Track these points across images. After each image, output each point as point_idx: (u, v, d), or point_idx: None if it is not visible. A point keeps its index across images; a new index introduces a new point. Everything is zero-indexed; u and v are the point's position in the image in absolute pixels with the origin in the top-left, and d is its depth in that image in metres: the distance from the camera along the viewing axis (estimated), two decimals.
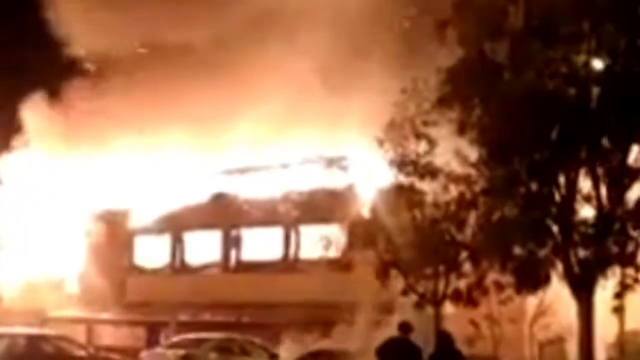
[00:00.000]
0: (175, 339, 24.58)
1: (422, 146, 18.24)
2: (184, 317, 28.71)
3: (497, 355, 24.11)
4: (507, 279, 16.68)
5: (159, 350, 24.38)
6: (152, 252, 31.85)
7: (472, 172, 16.83)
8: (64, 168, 32.72)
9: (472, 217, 17.80)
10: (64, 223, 32.45)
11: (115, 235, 32.20)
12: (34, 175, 32.89)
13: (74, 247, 32.72)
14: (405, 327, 12.05)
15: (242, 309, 27.74)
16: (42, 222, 32.40)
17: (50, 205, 32.44)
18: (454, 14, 15.99)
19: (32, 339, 21.29)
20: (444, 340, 11.95)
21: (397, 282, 19.81)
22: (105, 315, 31.14)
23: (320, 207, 24.56)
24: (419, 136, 18.22)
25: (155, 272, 31.72)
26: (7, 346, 20.47)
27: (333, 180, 21.06)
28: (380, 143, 18.63)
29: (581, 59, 15.43)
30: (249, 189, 29.82)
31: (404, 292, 19.66)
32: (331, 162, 20.84)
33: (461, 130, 15.99)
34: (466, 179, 17.31)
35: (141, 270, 32.23)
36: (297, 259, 28.41)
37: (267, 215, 28.42)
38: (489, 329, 23.12)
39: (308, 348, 24.33)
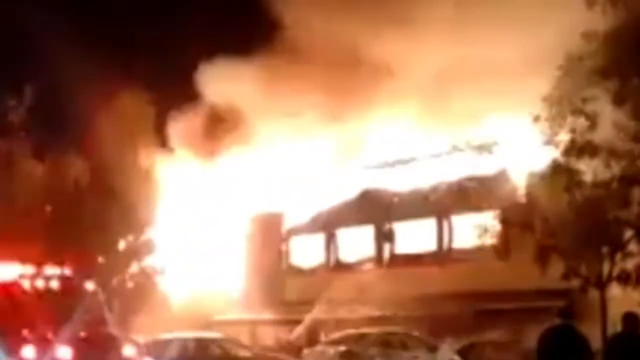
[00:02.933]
0: (335, 335, 24.73)
1: (581, 122, 17.45)
2: (342, 313, 28.86)
3: None
4: None
5: (320, 347, 24.59)
6: (307, 252, 32.24)
7: (635, 146, 16.01)
8: (212, 171, 33.42)
9: (636, 194, 16.99)
10: (222, 229, 33.25)
11: (271, 237, 32.78)
12: (185, 181, 33.57)
13: (233, 252, 33.52)
14: (565, 313, 11.34)
15: (399, 303, 27.58)
16: (201, 230, 33.28)
17: (207, 212, 33.28)
18: None
19: (201, 342, 22.36)
20: (630, 322, 11.19)
21: (558, 267, 19.16)
22: (266, 316, 31.75)
23: (471, 195, 24.04)
24: (576, 112, 17.48)
25: (311, 271, 32.10)
26: (179, 349, 21.64)
27: (483, 166, 20.53)
28: (536, 119, 17.89)
29: None
30: (397, 182, 29.65)
31: (565, 277, 18.99)
32: (480, 149, 20.26)
33: (619, 101, 15.23)
34: (629, 154, 16.50)
35: (298, 270, 32.70)
36: (451, 249, 28.02)
37: (418, 207, 28.17)
38: None
39: (470, 339, 23.91)
